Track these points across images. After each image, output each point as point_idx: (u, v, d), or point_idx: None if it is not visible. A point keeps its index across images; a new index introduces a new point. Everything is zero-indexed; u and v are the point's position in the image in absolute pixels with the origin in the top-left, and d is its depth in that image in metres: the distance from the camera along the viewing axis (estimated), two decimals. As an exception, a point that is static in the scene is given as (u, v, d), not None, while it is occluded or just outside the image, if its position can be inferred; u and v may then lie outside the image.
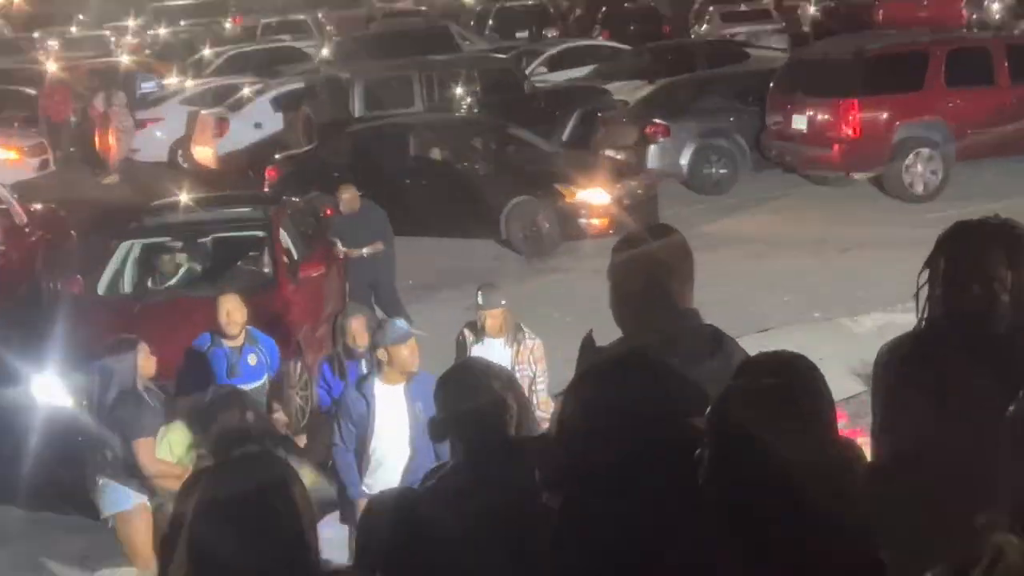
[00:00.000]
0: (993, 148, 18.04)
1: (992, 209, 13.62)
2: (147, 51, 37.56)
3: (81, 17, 46.80)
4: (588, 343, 3.86)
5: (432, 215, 17.39)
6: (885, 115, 17.76)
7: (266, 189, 18.36)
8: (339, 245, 13.29)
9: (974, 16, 29.07)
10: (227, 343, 9.35)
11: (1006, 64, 18.33)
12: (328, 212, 13.84)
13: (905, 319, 11.92)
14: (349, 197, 13.40)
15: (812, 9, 33.08)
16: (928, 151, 17.76)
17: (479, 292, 9.40)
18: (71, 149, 25.41)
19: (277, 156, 19.99)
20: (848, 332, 12.05)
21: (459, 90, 21.60)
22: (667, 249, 4.02)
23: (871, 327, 11.97)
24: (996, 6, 29.96)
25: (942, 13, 29.14)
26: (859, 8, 30.20)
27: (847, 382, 10.62)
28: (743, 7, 33.80)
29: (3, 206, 15.35)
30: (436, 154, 18.95)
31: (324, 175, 17.49)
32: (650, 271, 3.91)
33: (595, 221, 16.84)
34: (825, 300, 13.23)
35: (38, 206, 16.84)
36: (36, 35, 42.47)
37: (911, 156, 17.72)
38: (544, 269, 16.67)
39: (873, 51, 18.78)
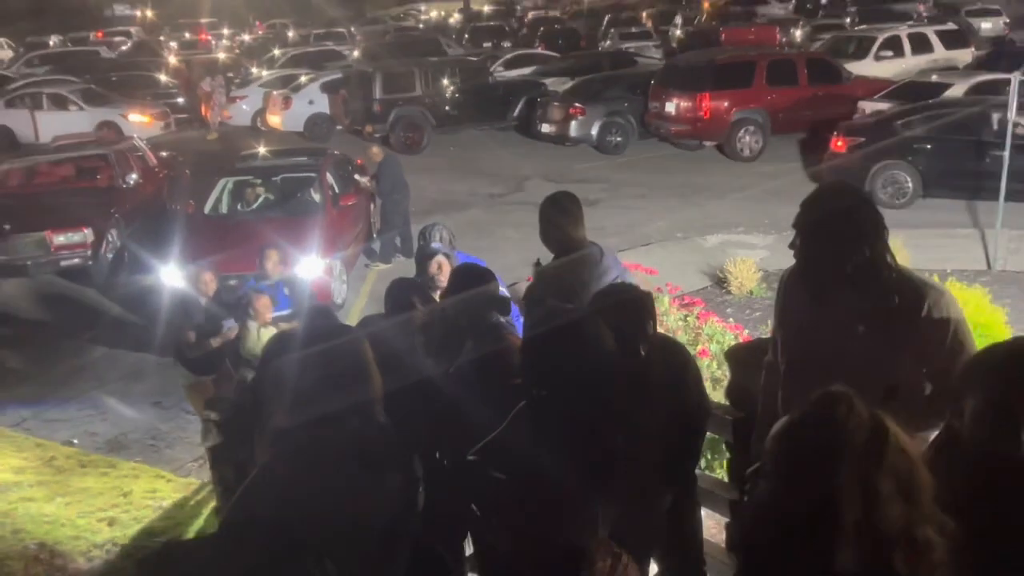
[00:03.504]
0: (797, 126, 17.98)
1: (792, 167, 13.80)
2: (236, 51, 36.91)
3: (204, 20, 46.10)
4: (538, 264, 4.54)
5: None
6: (725, 103, 17.60)
7: (824, 161, 14.52)
8: (362, 180, 12.79)
9: (784, 39, 28.98)
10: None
11: (804, 71, 18.33)
12: (359, 162, 13.32)
13: (741, 238, 12.23)
14: (376, 151, 12.93)
15: (678, 32, 32.95)
16: (753, 128, 17.70)
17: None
18: (184, 116, 25.03)
19: (843, 126, 15.11)
20: (700, 246, 12.08)
21: (446, 80, 21.09)
22: (568, 198, 4.52)
23: (716, 243, 12.13)
24: (798, 32, 29.95)
25: (763, 36, 29.05)
26: (708, 32, 29.95)
27: (698, 279, 10.71)
28: (633, 29, 33.47)
29: (140, 153, 15.11)
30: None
31: (902, 146, 13.68)
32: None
33: None
34: (685, 225, 13.18)
35: (163, 153, 16.56)
36: (162, 38, 41.76)
37: (742, 131, 17.67)
38: (507, 202, 15.64)
39: (719, 60, 18.72)
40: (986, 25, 29.22)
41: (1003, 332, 6.18)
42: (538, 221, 4.48)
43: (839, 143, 14.50)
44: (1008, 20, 30.34)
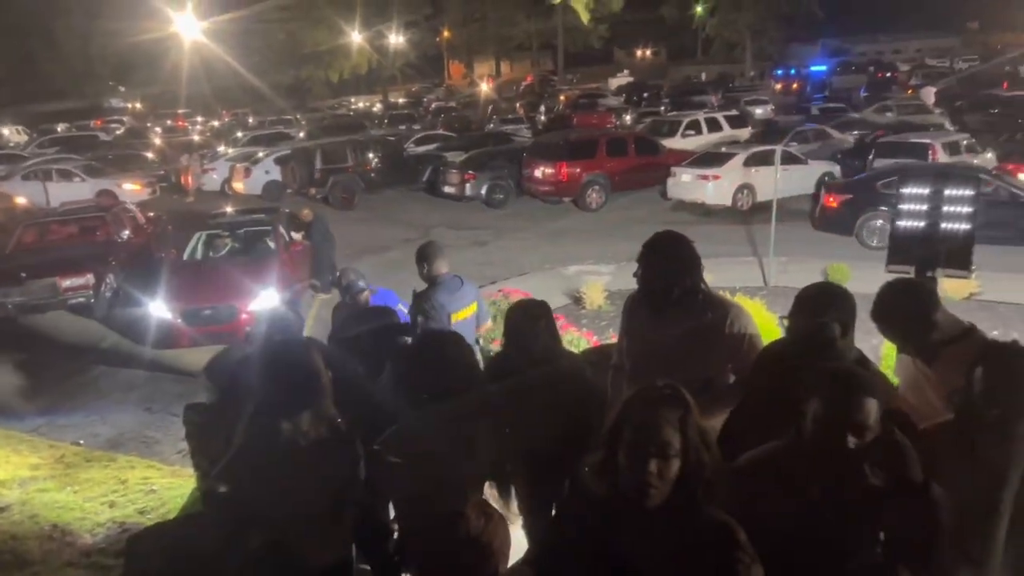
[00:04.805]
0: (629, 186, 18.27)
1: (626, 215, 13.83)
2: (207, 133, 35.70)
3: (182, 111, 44.29)
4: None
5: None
6: (577, 170, 17.80)
7: (819, 214, 13.65)
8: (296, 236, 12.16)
9: (617, 123, 29.61)
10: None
11: (633, 146, 18.77)
12: (303, 215, 12.54)
13: (592, 268, 12.26)
14: (307, 213, 12.49)
15: (542, 118, 33.34)
16: (598, 187, 17.92)
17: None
18: (166, 184, 23.90)
19: (833, 185, 14.27)
20: (562, 274, 12.09)
21: (370, 154, 20.83)
22: (435, 245, 4.90)
23: (573, 272, 12.13)
24: (627, 117, 30.69)
25: (603, 121, 29.67)
26: (564, 118, 30.41)
27: (561, 299, 10.66)
28: (510, 116, 33.65)
29: (131, 214, 14.44)
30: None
31: (877, 202, 12.95)
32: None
33: None
34: (551, 259, 13.18)
35: (151, 214, 15.77)
36: (148, 124, 40.23)
37: (590, 189, 17.88)
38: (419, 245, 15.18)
39: (572, 138, 19.02)
40: (759, 111, 30.47)
41: (776, 333, 6.33)
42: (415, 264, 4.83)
43: (831, 200, 13.81)
44: (773, 107, 31.91)
